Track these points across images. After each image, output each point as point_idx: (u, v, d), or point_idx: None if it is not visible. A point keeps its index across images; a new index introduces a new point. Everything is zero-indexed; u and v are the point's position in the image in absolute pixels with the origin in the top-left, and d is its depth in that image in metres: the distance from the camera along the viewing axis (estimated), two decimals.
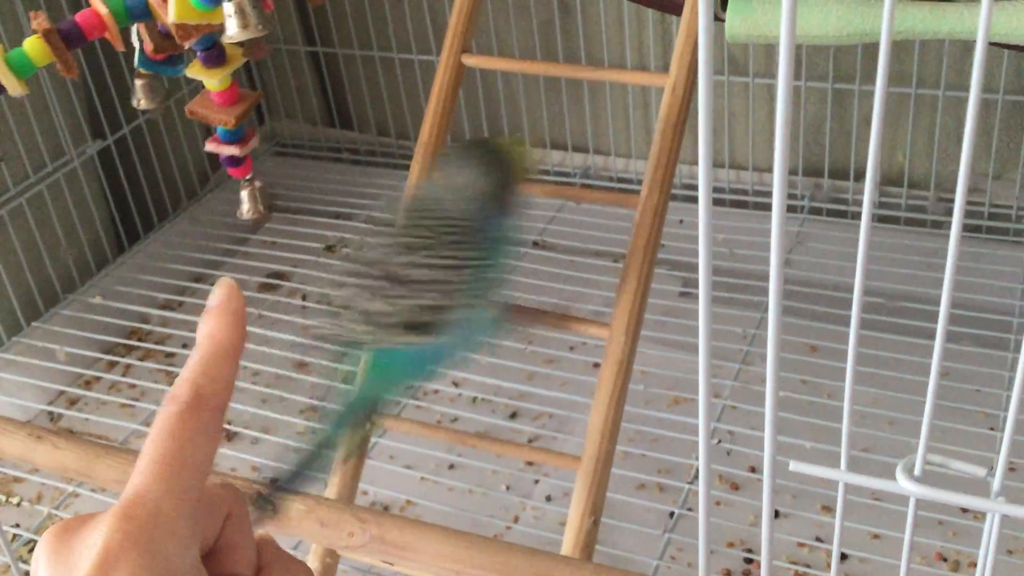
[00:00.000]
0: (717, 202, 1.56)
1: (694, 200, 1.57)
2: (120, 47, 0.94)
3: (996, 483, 0.43)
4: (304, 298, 1.53)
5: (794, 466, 0.46)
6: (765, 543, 0.47)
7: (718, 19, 0.90)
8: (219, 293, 0.39)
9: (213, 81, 0.92)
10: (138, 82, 1.02)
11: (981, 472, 0.43)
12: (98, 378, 1.42)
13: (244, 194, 1.03)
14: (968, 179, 0.33)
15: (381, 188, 1.68)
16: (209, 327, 0.39)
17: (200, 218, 1.66)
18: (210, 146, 1.00)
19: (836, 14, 0.71)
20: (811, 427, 1.15)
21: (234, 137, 0.97)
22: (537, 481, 1.20)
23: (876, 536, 1.07)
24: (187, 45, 0.90)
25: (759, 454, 0.48)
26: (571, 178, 1.65)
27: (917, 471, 0.43)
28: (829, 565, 1.06)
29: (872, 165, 0.35)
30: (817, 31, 0.75)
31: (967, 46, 1.34)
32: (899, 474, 0.44)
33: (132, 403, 1.36)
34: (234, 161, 0.99)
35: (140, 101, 1.02)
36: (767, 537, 0.47)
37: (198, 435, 0.37)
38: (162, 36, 0.91)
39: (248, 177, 1.03)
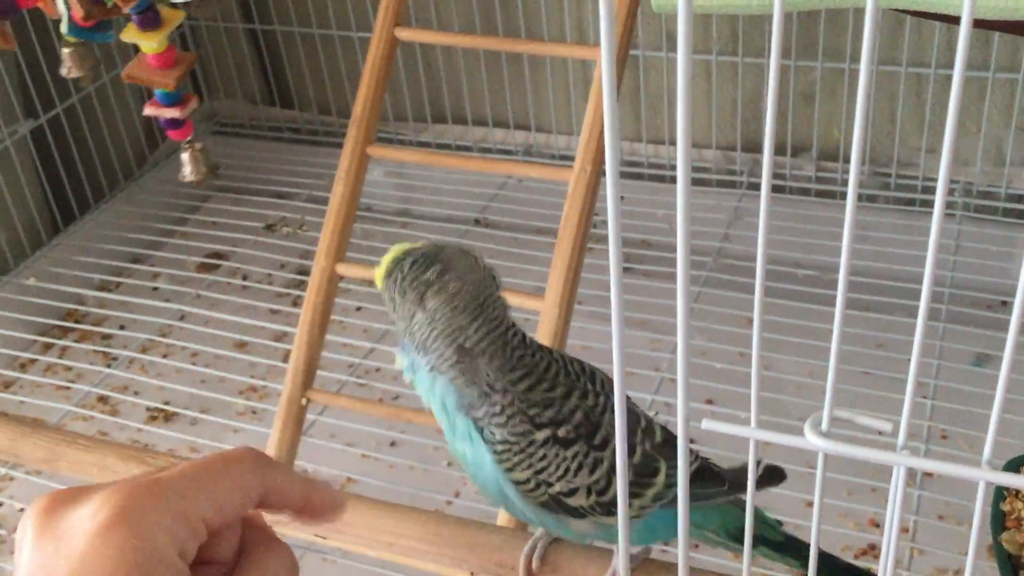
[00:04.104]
0: (658, 178, 1.57)
1: (634, 176, 1.58)
2: (54, 15, 0.93)
3: (901, 437, 0.44)
4: (244, 278, 1.52)
5: (706, 424, 0.46)
6: (682, 509, 0.48)
7: None
8: (343, 505, 0.43)
9: (151, 44, 0.91)
10: (65, 50, 1.00)
11: (887, 426, 0.44)
12: (33, 360, 1.40)
13: (185, 157, 1.02)
14: (952, 157, 0.33)
15: (322, 167, 1.67)
16: (324, 490, 0.43)
17: (137, 198, 1.64)
18: (149, 110, 0.99)
19: None
20: (748, 397, 1.17)
21: (173, 100, 0.96)
22: None
23: (810, 504, 1.08)
24: (126, 9, 0.89)
25: (696, 425, 0.48)
26: (513, 155, 1.65)
27: (824, 427, 0.44)
28: None
29: (857, 146, 0.35)
30: (742, 1, 0.75)
31: (899, 20, 1.35)
32: (807, 430, 0.44)
33: (68, 385, 1.34)
34: (174, 124, 0.98)
35: (69, 69, 1.00)
36: (683, 502, 0.48)
37: (241, 483, 0.39)
38: (92, 2, 0.90)
39: (188, 140, 1.02)
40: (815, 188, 1.50)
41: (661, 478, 0.64)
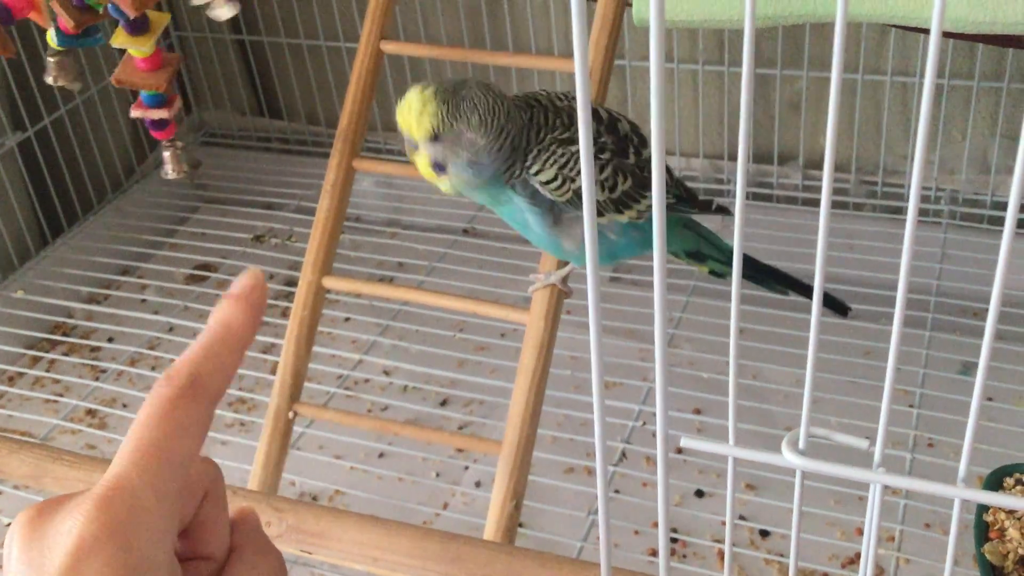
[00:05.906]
0: None
1: None
2: (46, 25, 0.94)
3: (877, 454, 0.44)
4: None
5: (685, 442, 0.47)
6: (662, 517, 0.48)
7: (627, 4, 0.91)
8: (243, 282, 0.38)
9: (143, 48, 0.92)
10: (51, 60, 1.00)
11: (864, 444, 0.44)
12: (21, 374, 1.40)
13: (167, 155, 1.03)
14: (923, 166, 0.34)
15: (311, 177, 1.67)
16: (224, 313, 0.37)
17: (126, 210, 1.64)
18: (136, 112, 0.99)
19: None
20: (738, 408, 1.17)
21: (159, 101, 0.97)
22: (466, 468, 1.21)
23: None
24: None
25: (675, 433, 0.49)
26: None
27: (801, 444, 0.44)
28: (752, 542, 1.08)
29: (829, 153, 0.35)
30: (722, 15, 0.76)
31: (884, 30, 1.36)
32: (784, 448, 0.44)
33: (56, 398, 1.34)
34: (160, 124, 1.00)
35: (55, 78, 1.01)
36: (663, 512, 0.48)
37: (188, 424, 0.36)
38: (79, 10, 0.91)
39: (171, 139, 1.03)
40: (802, 196, 1.51)
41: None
